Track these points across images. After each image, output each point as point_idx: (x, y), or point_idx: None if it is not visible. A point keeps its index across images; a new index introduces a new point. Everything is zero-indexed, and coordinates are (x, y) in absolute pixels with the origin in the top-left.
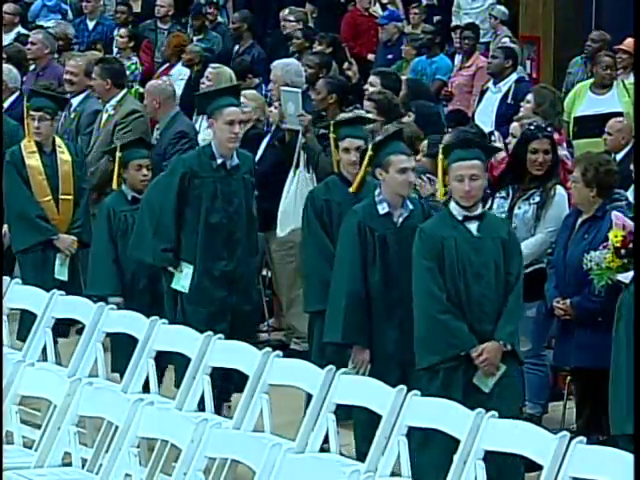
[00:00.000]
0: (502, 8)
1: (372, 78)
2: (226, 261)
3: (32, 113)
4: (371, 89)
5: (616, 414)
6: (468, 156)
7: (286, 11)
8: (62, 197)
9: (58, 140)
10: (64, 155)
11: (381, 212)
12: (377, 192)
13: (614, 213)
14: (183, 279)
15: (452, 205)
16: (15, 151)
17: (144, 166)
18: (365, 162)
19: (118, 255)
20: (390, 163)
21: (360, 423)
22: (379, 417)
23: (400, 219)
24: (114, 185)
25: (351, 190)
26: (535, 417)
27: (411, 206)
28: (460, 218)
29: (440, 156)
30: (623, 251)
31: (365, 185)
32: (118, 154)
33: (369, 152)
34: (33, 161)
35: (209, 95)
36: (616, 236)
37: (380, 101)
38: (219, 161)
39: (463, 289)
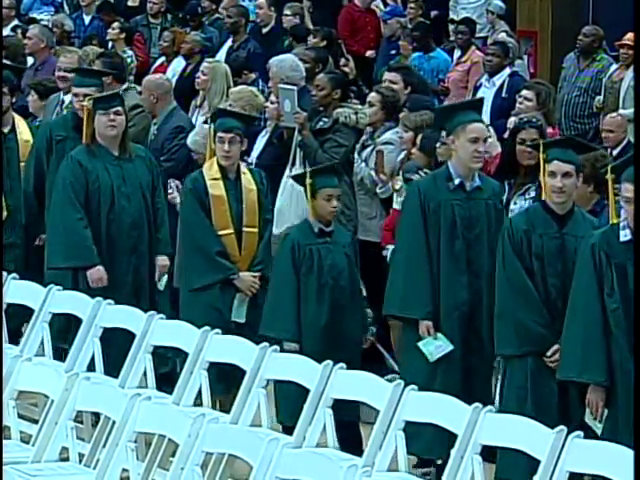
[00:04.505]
0: (499, 2)
1: (392, 75)
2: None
3: (221, 135)
4: (394, 87)
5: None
6: None
7: None
8: (246, 230)
9: (242, 166)
10: (249, 183)
11: (622, 239)
12: (622, 216)
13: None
14: (435, 349)
15: None
16: (198, 178)
17: (335, 196)
18: (610, 186)
19: (300, 294)
20: (628, 189)
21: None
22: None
23: None
24: (310, 215)
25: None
26: None
27: None
28: None
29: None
30: None
31: (528, 213)
32: (308, 180)
33: (609, 175)
34: (217, 189)
35: (449, 110)
36: None
37: (387, 97)
38: (457, 181)
39: None
